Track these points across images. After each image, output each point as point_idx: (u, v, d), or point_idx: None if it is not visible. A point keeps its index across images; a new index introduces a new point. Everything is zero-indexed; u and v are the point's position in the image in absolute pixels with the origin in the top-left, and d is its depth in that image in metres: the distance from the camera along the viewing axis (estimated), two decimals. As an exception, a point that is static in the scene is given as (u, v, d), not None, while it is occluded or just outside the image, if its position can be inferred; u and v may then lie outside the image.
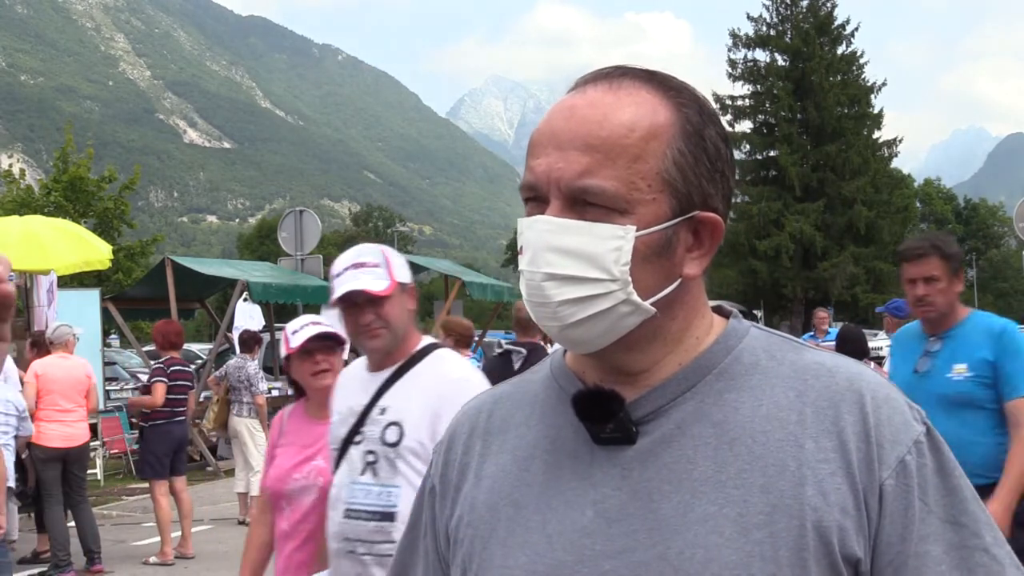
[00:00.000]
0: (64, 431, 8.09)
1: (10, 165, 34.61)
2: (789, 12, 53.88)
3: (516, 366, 6.61)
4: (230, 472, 11.37)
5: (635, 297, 1.05)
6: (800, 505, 1.02)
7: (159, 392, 8.45)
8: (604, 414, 1.08)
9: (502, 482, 1.15)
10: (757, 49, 53.93)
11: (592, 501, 1.08)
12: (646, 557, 1.03)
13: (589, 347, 1.09)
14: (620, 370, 1.11)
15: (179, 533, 8.82)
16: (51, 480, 8.04)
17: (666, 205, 1.06)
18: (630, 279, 1.05)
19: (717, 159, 1.10)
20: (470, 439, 1.21)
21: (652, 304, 1.07)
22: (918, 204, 74.59)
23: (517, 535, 1.10)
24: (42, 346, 8.63)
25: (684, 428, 1.07)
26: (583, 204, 1.05)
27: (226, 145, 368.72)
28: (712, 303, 1.17)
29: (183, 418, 8.82)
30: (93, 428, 10.33)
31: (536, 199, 1.08)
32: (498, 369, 6.66)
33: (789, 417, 1.06)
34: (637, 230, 1.05)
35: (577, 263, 1.04)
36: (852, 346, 7.47)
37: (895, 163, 59.31)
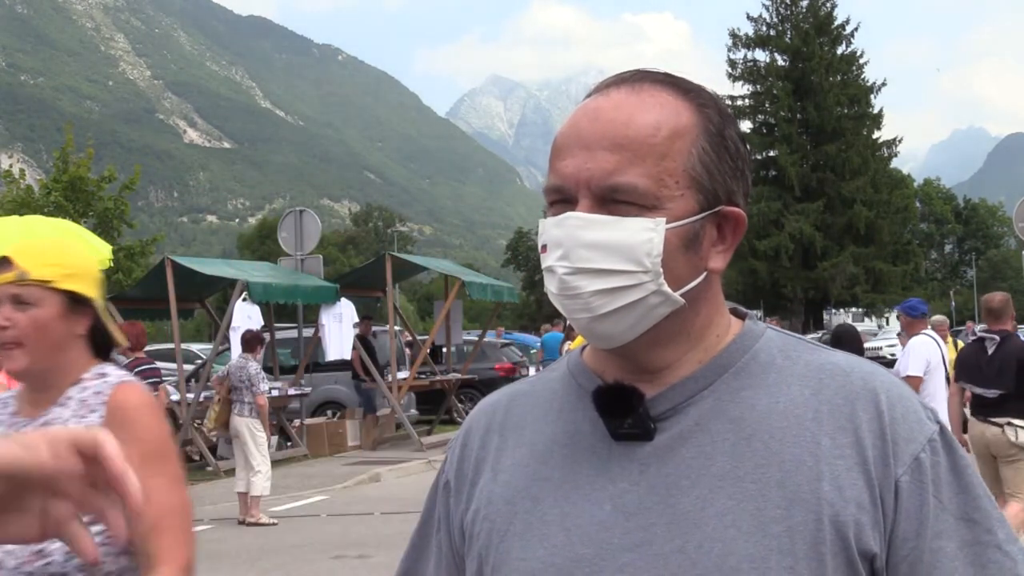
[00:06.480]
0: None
1: (10, 165, 34.55)
2: (789, 12, 53.98)
3: (989, 352, 6.91)
4: (230, 472, 11.36)
5: (666, 288, 1.07)
6: (817, 500, 1.03)
7: None
8: (623, 410, 1.09)
9: (520, 476, 1.15)
10: (757, 49, 54.06)
11: (610, 496, 1.09)
12: (665, 550, 1.04)
13: (616, 341, 1.10)
14: (641, 367, 1.12)
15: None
16: None
17: (693, 201, 1.08)
18: (661, 270, 1.06)
19: (737, 157, 1.12)
20: (487, 434, 1.22)
21: (681, 296, 1.08)
22: (918, 204, 74.75)
23: (535, 529, 1.11)
24: None
25: (702, 424, 1.09)
26: (612, 202, 1.06)
27: (226, 145, 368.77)
28: (727, 304, 1.18)
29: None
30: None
31: (562, 201, 1.09)
32: (972, 356, 7.06)
33: (805, 414, 1.07)
34: (667, 223, 1.06)
35: (609, 256, 1.05)
36: (848, 346, 7.48)
37: (895, 163, 59.46)
